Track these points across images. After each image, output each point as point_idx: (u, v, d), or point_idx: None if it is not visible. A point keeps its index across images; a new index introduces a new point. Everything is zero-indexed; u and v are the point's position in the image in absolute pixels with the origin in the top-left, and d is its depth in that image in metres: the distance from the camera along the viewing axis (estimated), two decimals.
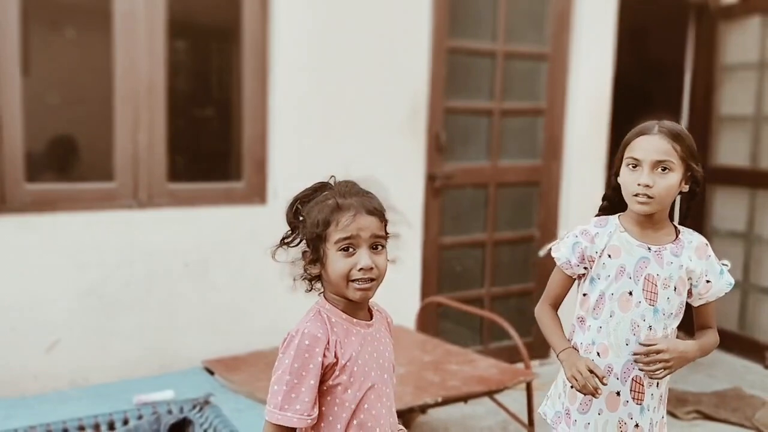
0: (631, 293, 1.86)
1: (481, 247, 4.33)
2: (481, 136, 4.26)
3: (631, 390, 1.87)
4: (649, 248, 1.87)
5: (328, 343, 1.48)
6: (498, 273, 4.38)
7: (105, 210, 3.14)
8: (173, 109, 3.31)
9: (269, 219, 3.24)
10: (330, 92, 3.57)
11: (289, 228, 1.59)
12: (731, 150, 4.95)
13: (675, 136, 1.82)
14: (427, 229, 4.01)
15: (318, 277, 1.57)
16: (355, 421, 1.52)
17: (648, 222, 1.88)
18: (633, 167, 1.84)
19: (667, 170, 1.81)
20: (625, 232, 1.89)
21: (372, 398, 1.54)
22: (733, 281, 1.93)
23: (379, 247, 1.53)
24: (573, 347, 1.92)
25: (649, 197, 1.81)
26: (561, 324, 1.98)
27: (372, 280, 1.51)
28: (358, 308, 1.57)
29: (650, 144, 1.82)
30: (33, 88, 3.44)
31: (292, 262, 1.58)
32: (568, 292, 2.00)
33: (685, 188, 1.87)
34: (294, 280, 1.58)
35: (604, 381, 1.80)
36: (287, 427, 1.47)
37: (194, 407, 2.63)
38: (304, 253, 1.56)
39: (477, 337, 4.34)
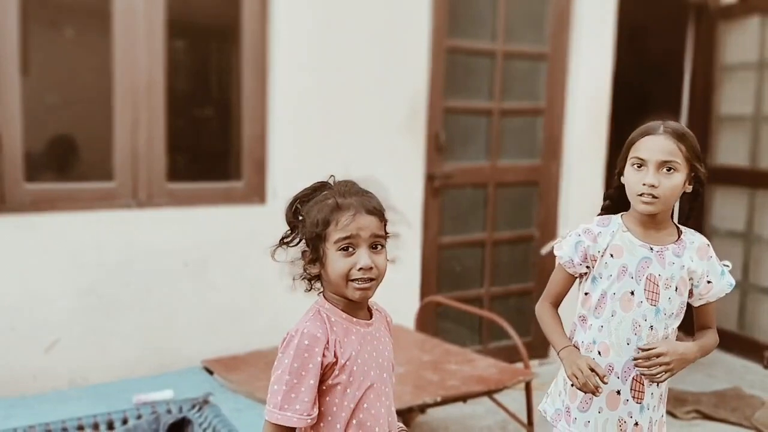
0: (632, 293, 1.86)
1: (480, 247, 4.33)
2: (481, 136, 4.26)
3: (631, 389, 1.88)
4: (651, 248, 1.87)
5: (328, 342, 1.48)
6: (497, 273, 4.38)
7: (104, 210, 3.14)
8: (173, 109, 3.31)
9: (269, 219, 3.23)
10: (329, 92, 3.56)
11: (288, 228, 1.59)
12: (731, 150, 4.95)
13: (680, 137, 1.83)
14: (427, 228, 4.02)
15: (317, 277, 1.56)
16: (354, 421, 1.52)
17: (651, 222, 1.88)
18: (638, 167, 1.84)
19: (672, 170, 1.81)
20: (627, 232, 1.89)
21: (371, 397, 1.54)
22: (733, 282, 1.94)
23: (379, 247, 1.52)
24: (574, 345, 1.93)
25: (654, 197, 1.81)
26: (561, 322, 1.98)
27: (371, 279, 1.50)
28: (358, 307, 1.57)
29: (656, 144, 1.82)
30: (32, 87, 3.44)
31: (291, 262, 1.57)
32: (569, 290, 2.01)
33: (689, 189, 1.87)
34: (293, 279, 1.57)
35: (605, 380, 1.81)
36: (287, 427, 1.47)
37: (193, 407, 2.63)
38: (303, 252, 1.56)
39: (476, 337, 4.34)
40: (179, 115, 3.79)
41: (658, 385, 1.90)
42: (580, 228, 1.95)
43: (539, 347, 4.34)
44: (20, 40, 2.97)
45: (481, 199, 4.30)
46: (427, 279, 4.04)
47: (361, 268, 1.49)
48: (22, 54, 2.99)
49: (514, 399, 3.41)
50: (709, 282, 1.90)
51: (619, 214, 1.94)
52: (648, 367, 1.83)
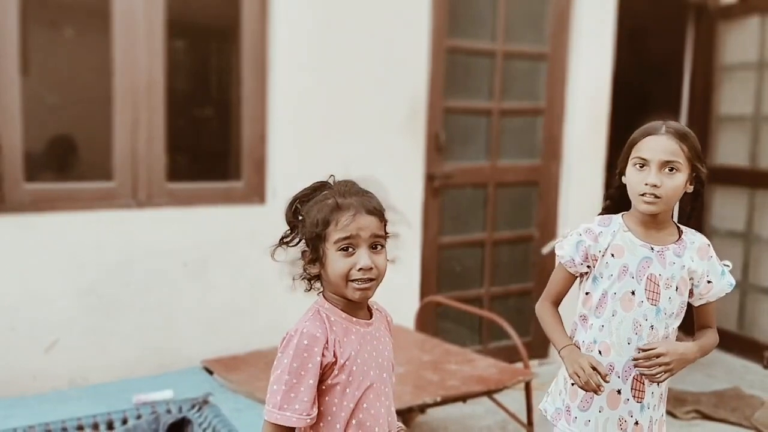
0: (633, 293, 1.87)
1: (480, 247, 4.33)
2: (481, 136, 4.26)
3: (632, 388, 1.88)
4: (652, 248, 1.87)
5: (327, 342, 1.48)
6: (497, 273, 4.38)
7: (104, 209, 3.14)
8: (172, 109, 3.31)
9: (268, 219, 3.23)
10: (329, 92, 3.56)
11: (288, 227, 1.59)
12: (730, 150, 4.95)
13: (682, 137, 1.83)
14: (427, 228, 4.01)
15: (317, 277, 1.56)
16: (353, 421, 1.52)
17: (652, 222, 1.88)
18: (640, 167, 1.84)
19: (674, 170, 1.82)
20: (628, 232, 1.90)
21: (371, 397, 1.54)
22: (734, 282, 1.94)
23: (379, 247, 1.52)
24: (575, 344, 1.93)
25: (656, 197, 1.82)
26: (562, 321, 1.99)
27: (371, 280, 1.50)
28: (358, 307, 1.57)
29: (658, 144, 1.82)
30: (32, 87, 3.44)
31: (291, 262, 1.57)
32: (569, 290, 2.01)
33: (690, 189, 1.88)
34: (293, 279, 1.57)
35: (607, 379, 1.81)
36: (286, 427, 1.47)
37: (193, 407, 2.63)
38: (303, 252, 1.56)
39: (476, 337, 4.34)
40: (179, 115, 3.79)
41: (658, 384, 1.90)
42: (581, 227, 1.95)
43: (539, 347, 4.34)
44: (20, 40, 2.97)
45: (481, 199, 4.30)
46: (427, 279, 4.04)
47: (360, 269, 1.48)
48: (22, 54, 2.99)
49: (513, 399, 3.41)
50: (709, 282, 1.91)
51: (620, 214, 1.95)
52: (648, 367, 1.83)
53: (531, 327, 4.29)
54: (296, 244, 1.57)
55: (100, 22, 3.14)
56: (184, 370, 3.13)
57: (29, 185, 3.04)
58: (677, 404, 3.77)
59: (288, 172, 3.45)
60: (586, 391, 1.83)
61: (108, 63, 3.14)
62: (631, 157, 1.87)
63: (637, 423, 1.90)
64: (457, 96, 4.10)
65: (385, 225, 1.55)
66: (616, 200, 1.98)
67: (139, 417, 2.56)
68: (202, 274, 3.32)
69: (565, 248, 1.95)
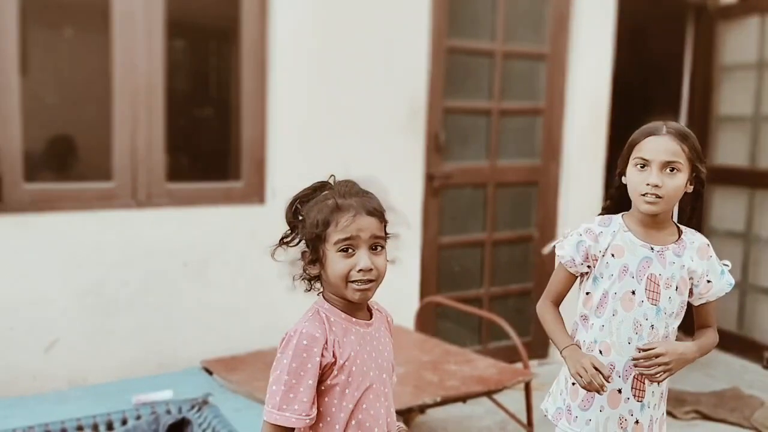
0: (634, 292, 1.87)
1: (479, 247, 4.33)
2: (480, 136, 4.26)
3: (632, 387, 1.89)
4: (652, 248, 1.88)
5: (326, 342, 1.48)
6: (497, 273, 4.38)
7: (104, 210, 3.14)
8: (172, 109, 3.30)
9: (268, 219, 3.23)
10: (329, 92, 3.56)
11: (288, 228, 1.59)
12: (730, 150, 4.95)
13: (683, 137, 1.84)
14: (426, 229, 4.01)
15: (317, 277, 1.56)
16: (353, 421, 1.51)
17: (652, 222, 1.89)
18: (641, 167, 1.85)
19: (675, 171, 1.82)
20: (628, 232, 1.90)
21: (371, 398, 1.54)
22: (733, 281, 1.95)
23: (379, 248, 1.52)
24: (576, 344, 1.93)
25: (657, 197, 1.82)
26: (563, 321, 1.99)
27: (371, 281, 1.50)
28: (357, 308, 1.57)
29: (659, 144, 1.83)
30: (31, 87, 3.44)
31: (291, 262, 1.57)
32: (569, 289, 2.01)
33: (690, 189, 1.88)
34: (293, 279, 1.57)
35: (610, 379, 1.82)
36: (286, 427, 1.47)
37: (193, 407, 2.63)
38: (303, 253, 1.55)
39: (476, 337, 4.34)
40: (179, 115, 3.79)
41: (658, 383, 1.90)
42: (581, 227, 1.96)
43: (539, 347, 4.34)
44: (20, 40, 2.97)
45: (480, 199, 4.30)
46: (427, 279, 4.04)
47: (360, 270, 1.48)
48: (21, 54, 2.99)
49: (513, 399, 3.41)
50: (708, 281, 1.91)
51: (620, 214, 1.95)
52: (647, 366, 1.83)
53: (531, 327, 4.29)
54: (296, 245, 1.57)
55: (100, 22, 3.14)
56: (183, 371, 3.13)
57: (29, 185, 3.04)
58: (677, 404, 3.77)
59: (288, 172, 3.45)
60: (589, 391, 1.83)
61: (107, 63, 3.14)
62: (631, 158, 1.87)
63: (637, 422, 1.90)
64: (456, 96, 4.10)
65: (385, 226, 1.55)
66: (616, 200, 1.98)
67: (138, 417, 2.56)
68: (201, 274, 3.32)
69: (565, 248, 1.96)
